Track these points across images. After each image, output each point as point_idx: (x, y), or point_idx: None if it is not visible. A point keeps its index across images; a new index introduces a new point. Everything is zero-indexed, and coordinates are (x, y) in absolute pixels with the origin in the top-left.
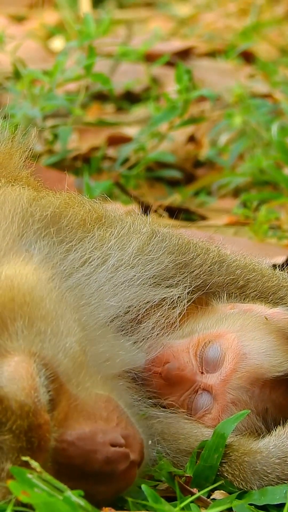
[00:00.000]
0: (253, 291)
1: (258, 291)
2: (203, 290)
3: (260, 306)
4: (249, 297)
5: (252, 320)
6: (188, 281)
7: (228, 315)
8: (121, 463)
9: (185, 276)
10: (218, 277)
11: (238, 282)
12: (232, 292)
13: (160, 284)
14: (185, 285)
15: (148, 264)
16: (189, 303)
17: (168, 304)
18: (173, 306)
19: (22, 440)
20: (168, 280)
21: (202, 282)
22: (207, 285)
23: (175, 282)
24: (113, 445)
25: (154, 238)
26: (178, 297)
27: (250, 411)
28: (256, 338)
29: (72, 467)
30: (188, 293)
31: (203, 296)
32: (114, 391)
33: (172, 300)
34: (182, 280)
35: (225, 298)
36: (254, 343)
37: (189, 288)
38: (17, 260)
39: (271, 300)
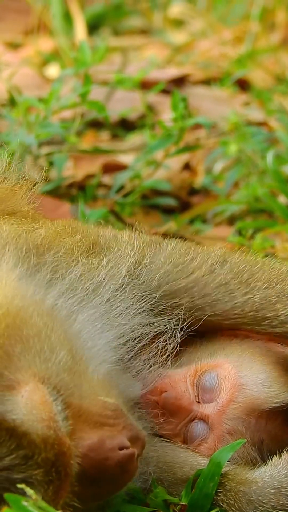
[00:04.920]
0: (259, 282)
1: (264, 281)
2: (203, 311)
3: (258, 336)
4: (256, 289)
5: (250, 350)
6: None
7: (226, 345)
8: (131, 463)
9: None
10: (220, 276)
11: (243, 276)
12: (238, 288)
13: (154, 310)
14: (182, 302)
15: (140, 288)
16: (187, 332)
17: (164, 333)
18: (170, 334)
19: (51, 472)
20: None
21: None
22: (206, 300)
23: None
24: (120, 449)
25: (143, 261)
26: (176, 324)
27: (246, 440)
28: (254, 368)
29: (85, 477)
30: (186, 317)
31: (199, 328)
32: (110, 392)
33: (169, 328)
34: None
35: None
36: (252, 373)
37: (188, 309)
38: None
39: (277, 290)
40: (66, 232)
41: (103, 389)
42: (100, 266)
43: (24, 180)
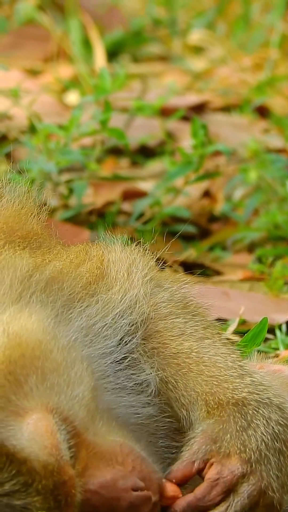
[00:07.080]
0: None
1: None
2: None
3: None
4: None
5: (280, 380)
6: None
7: None
8: (144, 506)
9: None
10: None
11: None
12: None
13: None
14: None
15: None
16: None
17: None
18: None
19: (49, 500)
20: None
21: None
22: None
23: None
24: (134, 490)
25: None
26: None
27: None
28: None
29: None
30: None
31: None
32: (128, 433)
33: None
34: None
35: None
36: None
37: None
38: (21, 316)
39: None
40: (80, 260)
41: (118, 429)
42: (118, 300)
43: (39, 207)
